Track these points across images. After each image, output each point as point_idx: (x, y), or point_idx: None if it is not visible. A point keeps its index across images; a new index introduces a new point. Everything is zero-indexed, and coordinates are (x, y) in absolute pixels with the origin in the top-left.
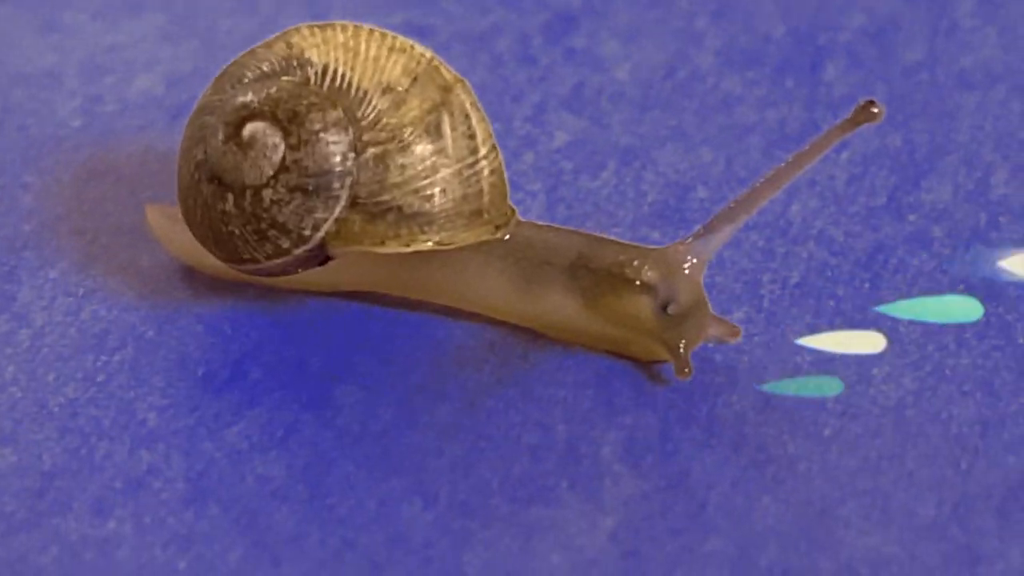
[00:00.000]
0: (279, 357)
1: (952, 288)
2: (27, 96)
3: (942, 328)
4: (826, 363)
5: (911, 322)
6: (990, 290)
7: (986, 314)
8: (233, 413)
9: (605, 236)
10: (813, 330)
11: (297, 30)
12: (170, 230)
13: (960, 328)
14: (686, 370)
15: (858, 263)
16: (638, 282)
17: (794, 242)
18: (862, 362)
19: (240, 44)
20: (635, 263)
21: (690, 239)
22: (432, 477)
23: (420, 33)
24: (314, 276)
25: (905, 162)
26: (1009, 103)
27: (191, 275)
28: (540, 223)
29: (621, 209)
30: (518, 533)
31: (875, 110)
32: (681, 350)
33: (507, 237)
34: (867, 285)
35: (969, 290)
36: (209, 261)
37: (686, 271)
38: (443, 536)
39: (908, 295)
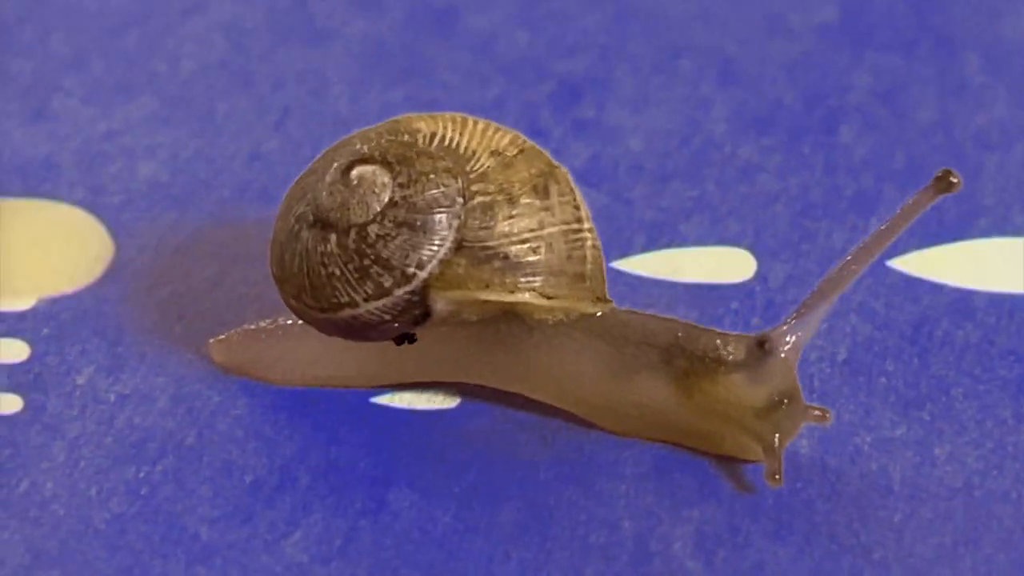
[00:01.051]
0: (327, 460)
1: (1002, 360)
2: (26, 189)
3: (999, 401)
4: (886, 443)
5: (965, 396)
6: None
7: None
8: (287, 522)
9: (703, 326)
10: (867, 410)
11: (406, 115)
12: (237, 356)
13: (1017, 402)
14: (777, 476)
15: (903, 336)
16: (732, 359)
17: (836, 316)
18: (921, 442)
19: (241, 124)
20: (731, 347)
21: (786, 322)
22: None
23: (423, 107)
24: (400, 365)
25: (935, 228)
26: None
27: (222, 376)
28: (638, 311)
29: (656, 288)
30: None
31: (954, 180)
32: (776, 445)
33: (602, 313)
34: (916, 360)
35: (1019, 361)
36: (272, 374)
37: (782, 355)
38: None
39: (958, 368)
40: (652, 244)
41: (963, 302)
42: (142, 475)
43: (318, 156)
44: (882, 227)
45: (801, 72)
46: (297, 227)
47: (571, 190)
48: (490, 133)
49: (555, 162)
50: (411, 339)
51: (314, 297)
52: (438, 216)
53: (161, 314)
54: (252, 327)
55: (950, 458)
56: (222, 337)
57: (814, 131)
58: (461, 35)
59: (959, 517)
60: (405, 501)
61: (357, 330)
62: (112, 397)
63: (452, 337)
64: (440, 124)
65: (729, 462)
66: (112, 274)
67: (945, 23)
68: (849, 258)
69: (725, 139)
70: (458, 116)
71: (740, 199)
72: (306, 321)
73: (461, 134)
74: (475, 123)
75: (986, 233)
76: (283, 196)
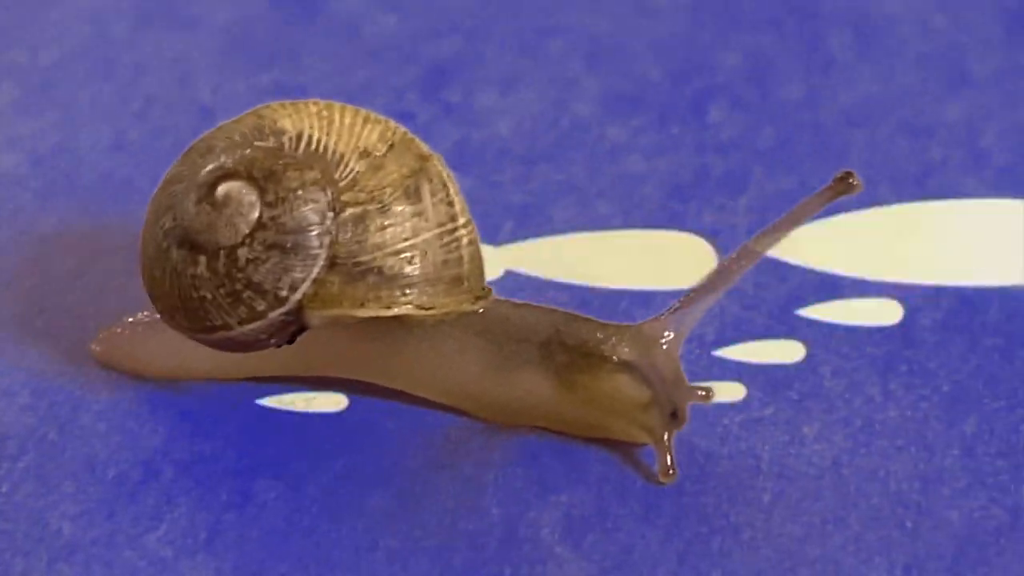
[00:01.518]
0: (191, 453)
1: (870, 338)
2: None
3: (867, 379)
4: (754, 423)
5: (834, 374)
6: (906, 336)
7: (907, 361)
8: (151, 517)
9: (583, 315)
10: (736, 390)
11: (267, 106)
12: (118, 351)
13: (884, 379)
14: (671, 472)
15: (772, 315)
16: (615, 358)
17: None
18: (789, 422)
19: (103, 113)
20: (612, 341)
21: (667, 313)
22: (371, 574)
23: (290, 93)
24: (280, 359)
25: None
26: (896, 140)
27: (85, 369)
28: (517, 301)
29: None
30: None
31: (853, 182)
32: (665, 437)
33: (483, 310)
34: (784, 340)
35: (886, 339)
36: (153, 368)
37: (664, 346)
38: None
39: (826, 347)
40: (521, 229)
41: (830, 282)
42: (2, 472)
43: (181, 156)
44: (773, 226)
45: (669, 52)
46: (166, 244)
47: (443, 185)
48: (358, 128)
49: (427, 151)
50: (289, 341)
51: (187, 318)
52: (308, 235)
53: (22, 307)
54: (132, 320)
55: (818, 437)
56: (103, 333)
57: (683, 111)
58: (326, 20)
59: (828, 495)
60: (271, 492)
61: (234, 348)
62: None
63: (332, 336)
64: (306, 121)
65: (598, 445)
66: None
67: (811, 1)
68: (735, 255)
69: (593, 120)
70: (324, 108)
71: (609, 181)
72: (183, 334)
73: (328, 133)
74: (341, 116)
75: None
76: (147, 193)
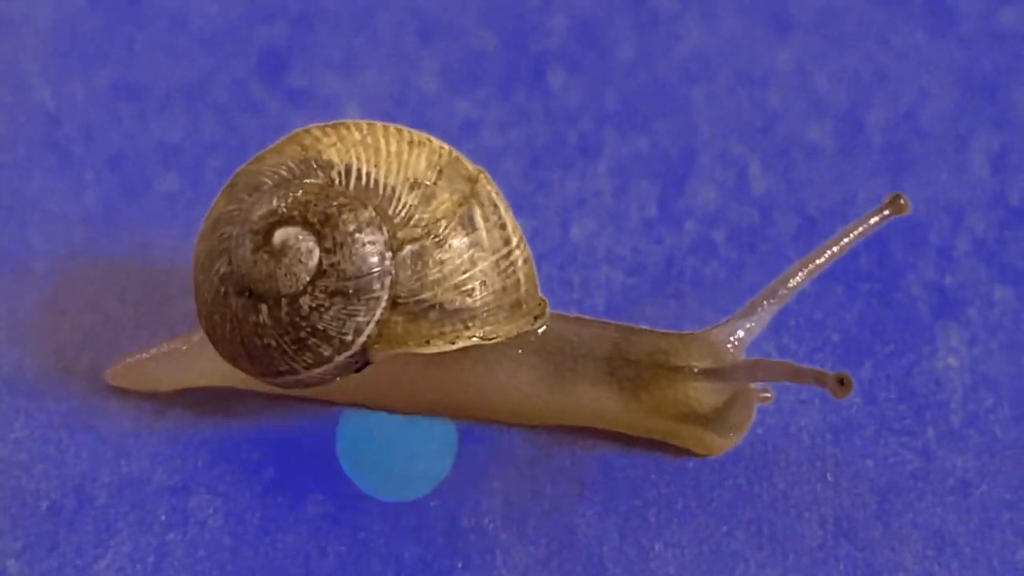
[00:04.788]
0: (119, 475)
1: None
2: None
3: (759, 336)
4: None
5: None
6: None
7: (794, 315)
8: (94, 545)
9: (637, 327)
10: None
11: (307, 132)
12: (144, 377)
13: (776, 335)
14: None
15: (657, 280)
16: (695, 369)
17: (586, 266)
18: None
19: None
20: (679, 351)
21: (732, 319)
22: None
23: (135, 92)
24: (334, 390)
25: (660, 167)
26: (736, 91)
27: None
28: (568, 315)
29: None
30: None
31: (903, 202)
32: (735, 442)
33: (543, 329)
34: (672, 302)
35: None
36: (191, 380)
37: (733, 349)
38: None
39: (714, 305)
40: None
41: (705, 239)
42: None
43: (225, 191)
44: (833, 239)
45: (498, 19)
46: (223, 289)
47: (494, 205)
48: (405, 156)
49: (473, 170)
50: (356, 371)
51: (251, 363)
52: (370, 279)
53: None
54: (154, 351)
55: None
56: (115, 368)
57: (523, 80)
58: (149, 13)
59: (747, 456)
60: (209, 508)
61: (301, 387)
62: None
63: (385, 367)
64: (352, 152)
65: (520, 427)
66: None
67: None
68: (800, 264)
69: (439, 97)
70: (367, 134)
71: (469, 157)
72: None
73: (376, 165)
74: (386, 140)
75: (710, 169)
76: (8, 208)
